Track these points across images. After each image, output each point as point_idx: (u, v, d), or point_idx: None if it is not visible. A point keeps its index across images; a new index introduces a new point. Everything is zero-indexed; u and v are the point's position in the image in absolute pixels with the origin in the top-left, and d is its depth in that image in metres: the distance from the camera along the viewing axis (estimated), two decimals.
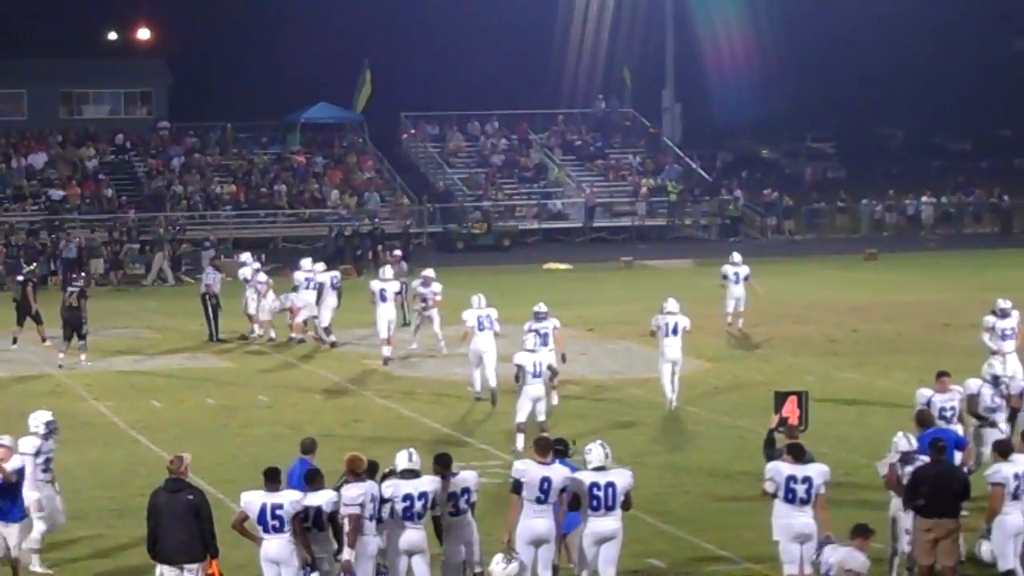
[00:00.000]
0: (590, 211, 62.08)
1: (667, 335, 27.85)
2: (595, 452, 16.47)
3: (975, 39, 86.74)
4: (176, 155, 63.16)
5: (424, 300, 34.02)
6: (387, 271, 34.49)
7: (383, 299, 33.25)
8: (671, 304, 28.29)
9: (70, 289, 34.00)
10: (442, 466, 16.45)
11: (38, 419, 18.66)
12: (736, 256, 38.24)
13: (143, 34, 79.35)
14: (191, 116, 67.19)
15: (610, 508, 16.32)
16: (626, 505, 16.49)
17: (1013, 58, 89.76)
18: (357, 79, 66.42)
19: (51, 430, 18.62)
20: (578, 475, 16.55)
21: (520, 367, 24.11)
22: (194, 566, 15.62)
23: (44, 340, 35.34)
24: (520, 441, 23.92)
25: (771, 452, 17.83)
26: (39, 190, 59.52)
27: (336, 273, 36.97)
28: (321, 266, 36.64)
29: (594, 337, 36.54)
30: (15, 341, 35.52)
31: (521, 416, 24.13)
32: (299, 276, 36.07)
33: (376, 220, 56.92)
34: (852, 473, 21.26)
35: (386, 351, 33.08)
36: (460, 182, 64.45)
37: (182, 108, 68.87)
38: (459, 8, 77.96)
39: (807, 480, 16.50)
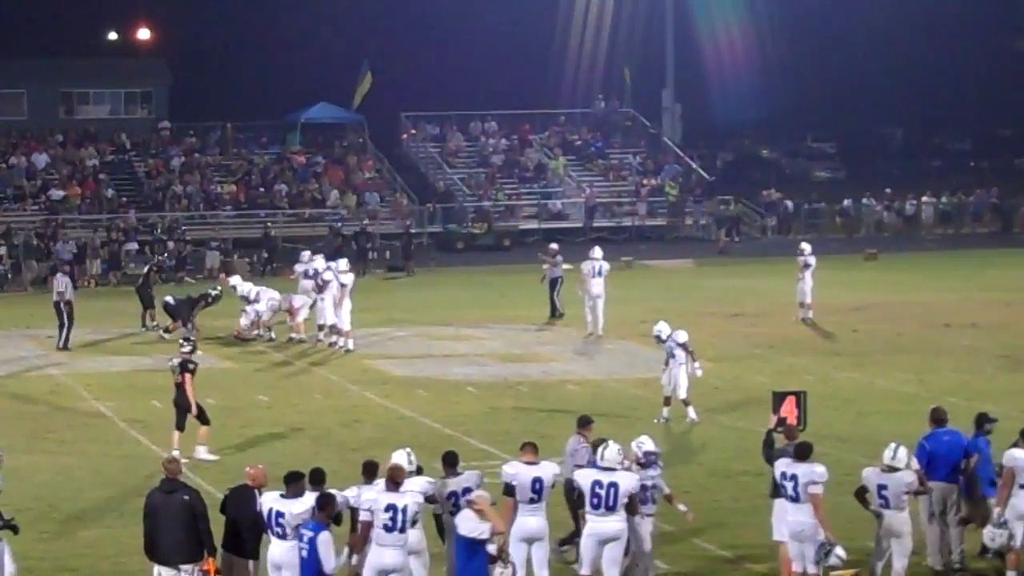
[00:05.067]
0: (590, 211, 62.08)
1: (593, 276, 36.48)
2: (609, 452, 16.57)
3: (975, 39, 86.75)
4: (176, 155, 63.14)
5: None
6: None
7: None
8: (596, 251, 37.28)
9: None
10: (448, 465, 16.53)
11: (641, 445, 17.58)
12: (805, 246, 38.90)
13: (143, 34, 79.33)
14: (191, 116, 67.14)
15: (611, 508, 16.33)
16: (630, 508, 16.51)
17: (1013, 58, 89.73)
18: (357, 78, 66.43)
19: (651, 461, 17.50)
20: (579, 473, 16.63)
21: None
22: (190, 566, 15.61)
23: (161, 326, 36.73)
24: (666, 412, 26.66)
25: (770, 452, 17.88)
26: (39, 190, 59.50)
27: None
28: (346, 264, 36.28)
29: (594, 337, 36.53)
30: (189, 328, 36.11)
31: (667, 391, 26.75)
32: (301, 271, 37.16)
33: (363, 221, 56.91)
34: (852, 473, 21.22)
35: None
36: (460, 182, 64.46)
37: (182, 108, 68.82)
38: (459, 8, 77.96)
39: (793, 478, 16.71)
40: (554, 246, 41.11)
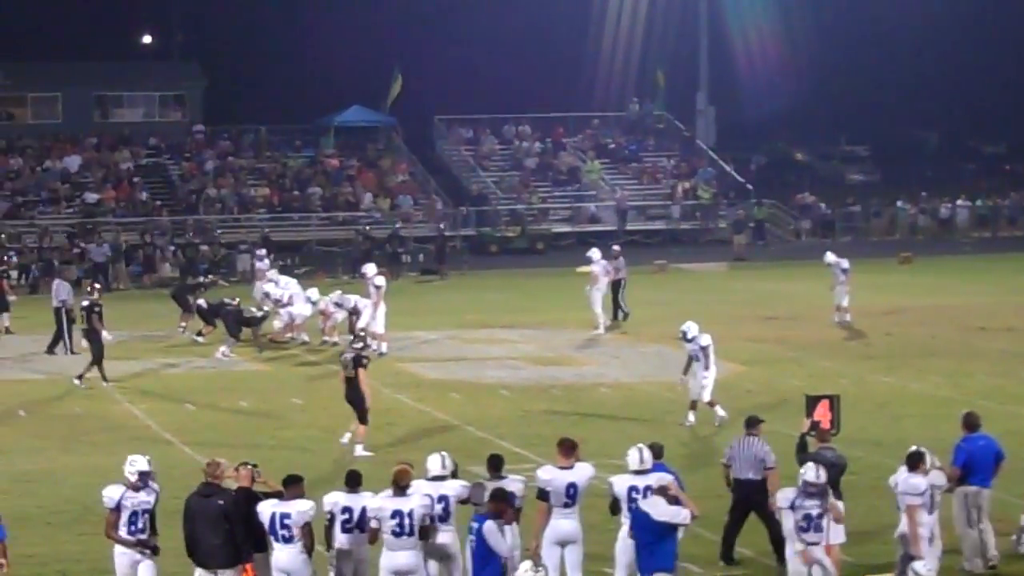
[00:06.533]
0: (622, 214, 62.01)
1: (605, 275, 37.99)
2: (632, 456, 16.54)
3: (1010, 41, 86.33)
4: (210, 158, 63.32)
5: None
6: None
7: None
8: (596, 252, 38.58)
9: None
10: (493, 468, 16.51)
11: (803, 475, 16.34)
12: (829, 256, 39.03)
13: (178, 37, 79.55)
14: (225, 119, 67.35)
15: None
16: None
17: None
18: (389, 82, 66.59)
19: (811, 493, 16.32)
20: (616, 479, 16.57)
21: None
22: (227, 572, 15.60)
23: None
24: (692, 416, 26.79)
25: (803, 457, 17.82)
26: (73, 193, 59.71)
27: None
28: (374, 269, 36.32)
29: (627, 340, 36.52)
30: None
31: (693, 394, 26.94)
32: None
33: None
34: (887, 476, 21.16)
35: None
36: (493, 185, 64.48)
37: (216, 111, 69.01)
38: (492, 11, 78.02)
39: (895, 484, 17.06)
40: (616, 248, 41.07)
